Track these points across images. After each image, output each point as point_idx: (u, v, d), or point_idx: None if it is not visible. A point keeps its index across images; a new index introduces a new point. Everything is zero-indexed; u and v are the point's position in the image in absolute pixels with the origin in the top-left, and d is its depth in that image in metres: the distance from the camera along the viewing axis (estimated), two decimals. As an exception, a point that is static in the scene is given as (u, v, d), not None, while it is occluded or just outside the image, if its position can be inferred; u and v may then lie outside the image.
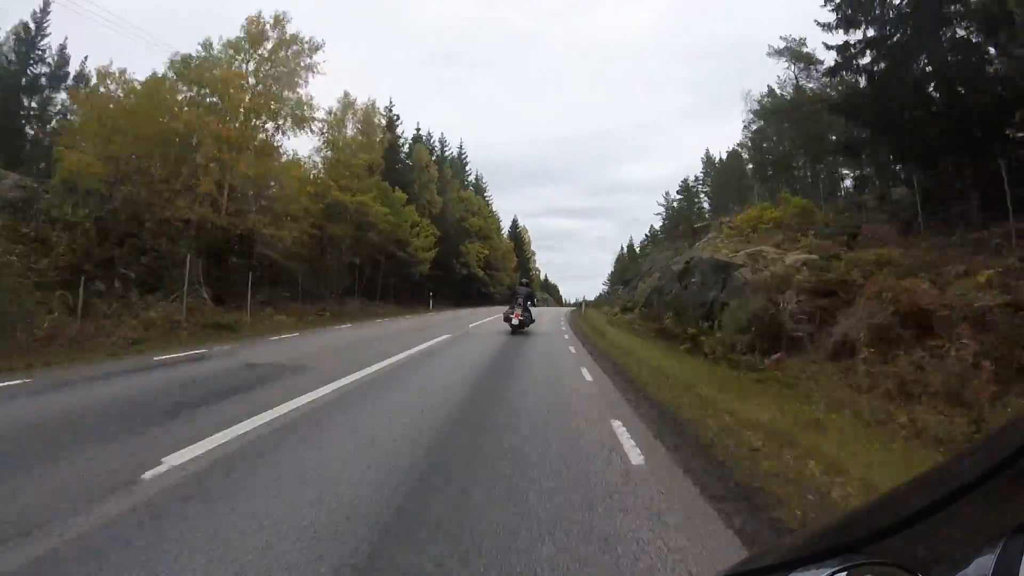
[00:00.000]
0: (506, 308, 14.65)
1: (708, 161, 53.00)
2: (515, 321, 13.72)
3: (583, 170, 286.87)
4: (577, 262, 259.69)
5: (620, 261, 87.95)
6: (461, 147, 53.91)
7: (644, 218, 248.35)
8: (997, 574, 0.47)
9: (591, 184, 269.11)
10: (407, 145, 38.63)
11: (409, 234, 31.16)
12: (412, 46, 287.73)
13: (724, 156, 52.18)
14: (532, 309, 14.94)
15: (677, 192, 57.37)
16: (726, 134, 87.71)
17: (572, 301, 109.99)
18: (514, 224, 77.01)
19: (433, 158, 43.33)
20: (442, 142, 48.12)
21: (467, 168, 53.55)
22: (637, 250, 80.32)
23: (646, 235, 75.58)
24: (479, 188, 57.49)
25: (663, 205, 62.51)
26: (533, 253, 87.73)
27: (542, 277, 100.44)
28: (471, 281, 45.93)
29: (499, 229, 62.47)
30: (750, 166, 48.02)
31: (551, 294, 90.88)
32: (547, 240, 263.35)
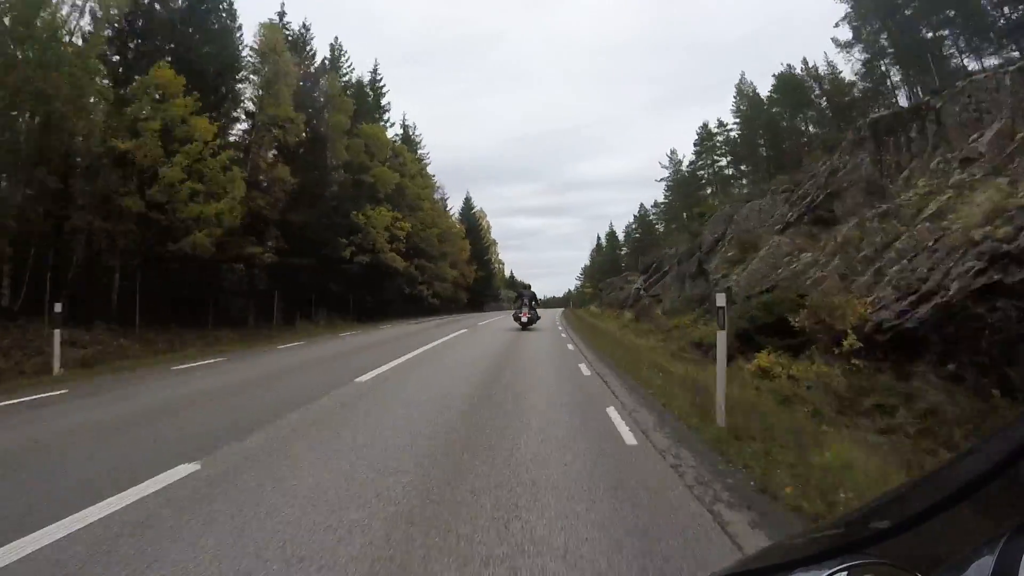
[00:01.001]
0: (514, 310, 17.56)
1: (741, 95, 36.36)
2: (524, 319, 16.24)
3: (546, 167, 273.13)
4: (542, 260, 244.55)
5: (599, 252, 76.40)
6: (376, 70, 34.97)
7: (611, 213, 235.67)
8: (997, 574, 0.46)
9: (555, 181, 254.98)
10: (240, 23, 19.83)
11: (160, 158, 12.63)
12: (373, 47, 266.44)
13: (759, 92, 35.74)
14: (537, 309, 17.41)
15: (694, 144, 40.94)
16: (686, 130, 74.26)
17: (539, 299, 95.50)
18: (467, 203, 58.71)
19: (311, 64, 24.77)
20: (337, 49, 29.46)
21: (384, 104, 34.72)
22: (620, 238, 68.82)
23: (634, 216, 62.17)
24: (409, 140, 38.88)
25: (667, 168, 46.58)
26: (493, 243, 69.84)
27: (507, 275, 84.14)
28: (380, 276, 27.05)
29: (440, 203, 44.09)
30: (815, 93, 31.84)
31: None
32: (512, 240, 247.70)
